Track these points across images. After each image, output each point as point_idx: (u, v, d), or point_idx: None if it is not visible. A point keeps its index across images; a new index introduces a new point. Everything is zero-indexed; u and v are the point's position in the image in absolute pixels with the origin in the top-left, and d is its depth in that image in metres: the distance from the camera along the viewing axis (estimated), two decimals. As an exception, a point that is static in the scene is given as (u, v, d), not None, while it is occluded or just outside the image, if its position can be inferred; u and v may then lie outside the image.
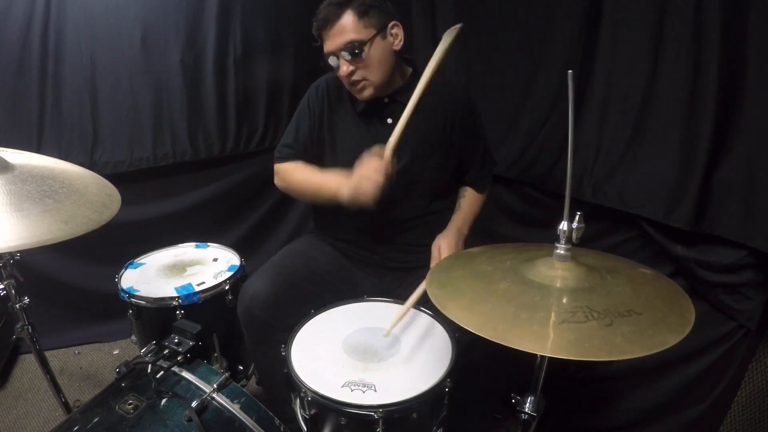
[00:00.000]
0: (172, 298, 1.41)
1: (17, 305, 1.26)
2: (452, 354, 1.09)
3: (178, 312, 1.41)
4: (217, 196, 2.39)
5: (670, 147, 1.37)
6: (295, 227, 2.64)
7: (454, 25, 1.18)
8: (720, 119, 1.26)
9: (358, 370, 1.06)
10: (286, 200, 2.57)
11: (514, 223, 1.94)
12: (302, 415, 1.04)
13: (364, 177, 1.14)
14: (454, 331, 1.14)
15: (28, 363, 2.07)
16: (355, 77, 1.27)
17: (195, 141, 2.23)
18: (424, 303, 1.21)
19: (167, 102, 2.13)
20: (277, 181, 1.47)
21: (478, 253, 1.07)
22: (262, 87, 2.34)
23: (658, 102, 1.40)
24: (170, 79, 2.11)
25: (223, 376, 1.14)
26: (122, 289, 1.46)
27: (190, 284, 1.47)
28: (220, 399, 1.10)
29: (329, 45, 1.26)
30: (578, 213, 0.85)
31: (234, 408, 1.09)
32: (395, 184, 1.21)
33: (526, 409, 0.93)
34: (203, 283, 1.49)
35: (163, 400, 1.08)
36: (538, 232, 1.83)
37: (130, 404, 1.07)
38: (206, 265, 1.61)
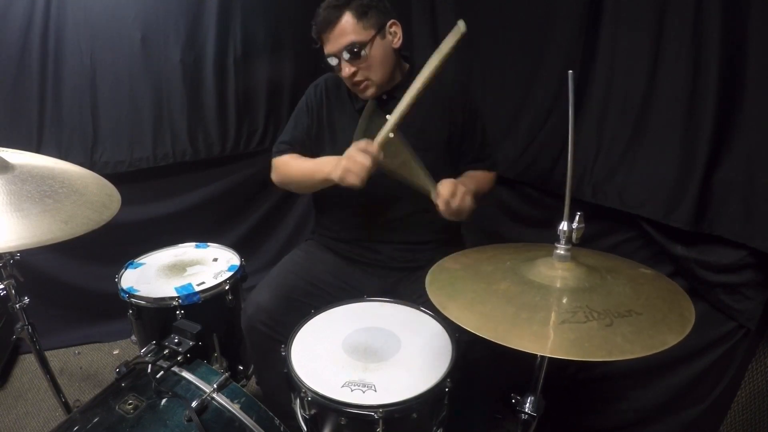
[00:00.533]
0: (172, 298, 1.41)
1: (17, 305, 1.26)
2: (452, 354, 1.09)
3: (178, 312, 1.40)
4: (217, 196, 2.39)
5: (670, 147, 1.37)
6: (295, 227, 2.64)
7: (454, 25, 1.17)
8: (720, 119, 1.26)
9: (358, 370, 1.06)
10: (286, 200, 2.57)
11: (514, 223, 1.94)
12: (302, 415, 1.04)
13: (351, 158, 1.15)
14: (455, 331, 1.14)
15: (28, 363, 2.06)
16: (357, 78, 1.29)
17: (195, 141, 2.23)
18: (424, 303, 1.21)
19: (167, 102, 2.13)
20: (274, 176, 1.48)
21: (478, 253, 1.07)
22: (262, 87, 2.35)
23: (658, 102, 1.40)
24: (170, 79, 2.11)
25: (223, 376, 1.13)
26: (122, 289, 1.46)
27: (190, 284, 1.47)
28: (220, 399, 1.10)
29: (330, 47, 1.28)
30: (578, 213, 0.85)
31: (234, 408, 1.09)
32: (394, 181, 1.21)
33: (526, 409, 0.93)
34: (203, 283, 1.48)
35: (163, 400, 1.08)
36: (538, 232, 1.82)
37: (130, 404, 1.07)
38: (206, 265, 1.61)
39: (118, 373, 1.17)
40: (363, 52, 1.25)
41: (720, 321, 1.35)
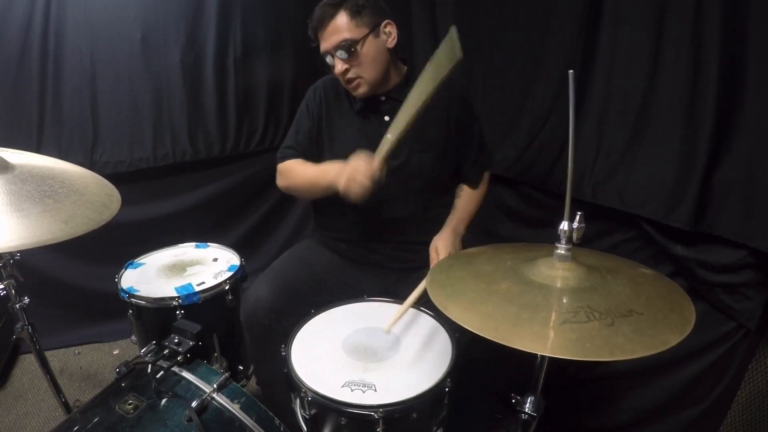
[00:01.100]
0: (172, 298, 1.41)
1: (17, 305, 1.26)
2: (452, 354, 1.09)
3: (178, 312, 1.41)
4: (217, 196, 2.39)
5: (670, 147, 1.37)
6: (295, 227, 2.64)
7: (453, 25, 1.16)
8: (720, 119, 1.26)
9: (358, 370, 1.06)
10: (286, 200, 2.57)
11: (514, 223, 1.94)
12: (302, 415, 1.04)
13: (351, 179, 1.17)
14: (455, 331, 1.14)
15: (28, 363, 2.06)
16: (349, 75, 1.31)
17: (195, 141, 2.23)
18: (424, 303, 1.22)
19: (167, 102, 2.13)
20: (279, 181, 1.48)
21: (478, 253, 1.07)
22: (262, 87, 2.35)
23: (658, 102, 1.40)
24: (170, 79, 2.11)
25: (223, 376, 1.13)
26: (122, 289, 1.46)
27: (190, 284, 1.47)
28: (220, 399, 1.10)
29: (325, 45, 1.30)
30: (579, 213, 0.85)
31: (234, 408, 1.09)
32: (393, 181, 1.23)
33: (526, 409, 0.93)
34: (203, 283, 1.49)
35: (163, 400, 1.08)
36: (538, 232, 1.82)
37: (130, 404, 1.07)
38: (206, 265, 1.61)
39: (118, 373, 1.17)
40: (355, 50, 1.27)
41: (720, 321, 1.35)
